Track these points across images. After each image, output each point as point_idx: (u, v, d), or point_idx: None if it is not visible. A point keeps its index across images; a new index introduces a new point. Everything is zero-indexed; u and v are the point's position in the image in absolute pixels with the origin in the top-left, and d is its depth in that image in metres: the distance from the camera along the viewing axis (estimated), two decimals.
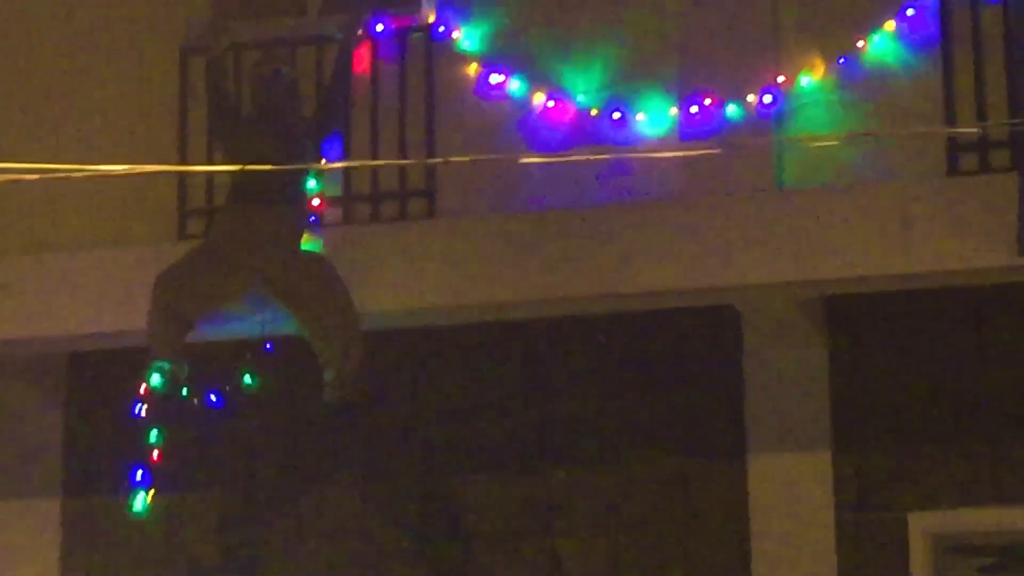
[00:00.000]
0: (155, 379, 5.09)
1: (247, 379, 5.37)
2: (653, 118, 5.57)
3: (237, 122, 5.48)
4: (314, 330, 5.11)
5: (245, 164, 5.08)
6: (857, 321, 5.71)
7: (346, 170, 5.66)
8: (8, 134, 5.92)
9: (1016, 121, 5.22)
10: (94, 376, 6.17)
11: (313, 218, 5.40)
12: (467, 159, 5.33)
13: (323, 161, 5.54)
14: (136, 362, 5.42)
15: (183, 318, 5.18)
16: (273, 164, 4.99)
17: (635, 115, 5.56)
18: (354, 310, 5.14)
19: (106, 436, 5.90)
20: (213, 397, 5.39)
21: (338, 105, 5.59)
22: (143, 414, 5.19)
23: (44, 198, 5.67)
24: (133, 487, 5.20)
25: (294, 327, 5.22)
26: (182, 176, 5.67)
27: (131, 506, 5.22)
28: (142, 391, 5.18)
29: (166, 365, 5.11)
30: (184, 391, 5.18)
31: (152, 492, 5.22)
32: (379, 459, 5.95)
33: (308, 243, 5.35)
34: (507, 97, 5.71)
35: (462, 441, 5.90)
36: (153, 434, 5.18)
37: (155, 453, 5.17)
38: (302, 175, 5.31)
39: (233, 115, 5.51)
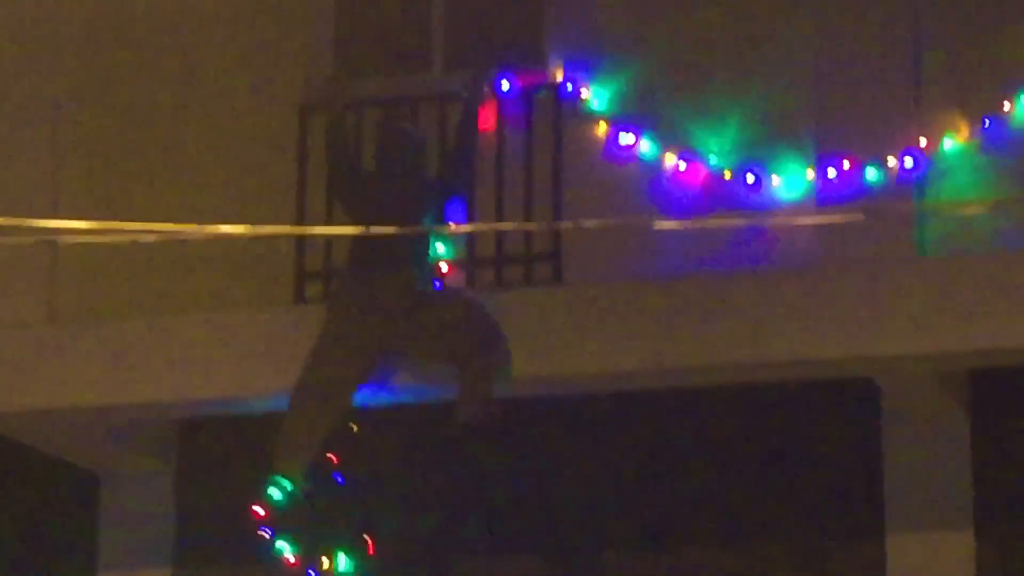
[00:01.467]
0: (275, 494, 4.96)
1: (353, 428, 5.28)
2: (789, 181, 5.48)
3: (358, 181, 5.34)
4: (445, 363, 5.03)
5: (366, 224, 4.93)
6: (1001, 395, 5.47)
7: (470, 233, 5.51)
8: (127, 194, 5.88)
9: None
10: (207, 443, 6.01)
11: (438, 284, 5.23)
12: (596, 223, 5.17)
13: (448, 224, 5.40)
14: (249, 430, 5.37)
15: (313, 435, 5.04)
16: (395, 225, 4.86)
17: (770, 178, 5.44)
18: (482, 326, 5.00)
19: (218, 505, 5.74)
20: (338, 478, 5.25)
21: (463, 165, 5.44)
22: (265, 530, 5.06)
23: (162, 259, 5.60)
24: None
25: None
26: (300, 238, 5.53)
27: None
28: (259, 510, 5.01)
29: (288, 485, 4.97)
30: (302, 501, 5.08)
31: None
32: (503, 532, 5.79)
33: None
34: (637, 158, 5.63)
35: (588, 516, 5.73)
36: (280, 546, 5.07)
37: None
38: (425, 237, 5.17)
39: (354, 174, 5.36)
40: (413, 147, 5.31)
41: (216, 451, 5.85)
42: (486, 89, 5.60)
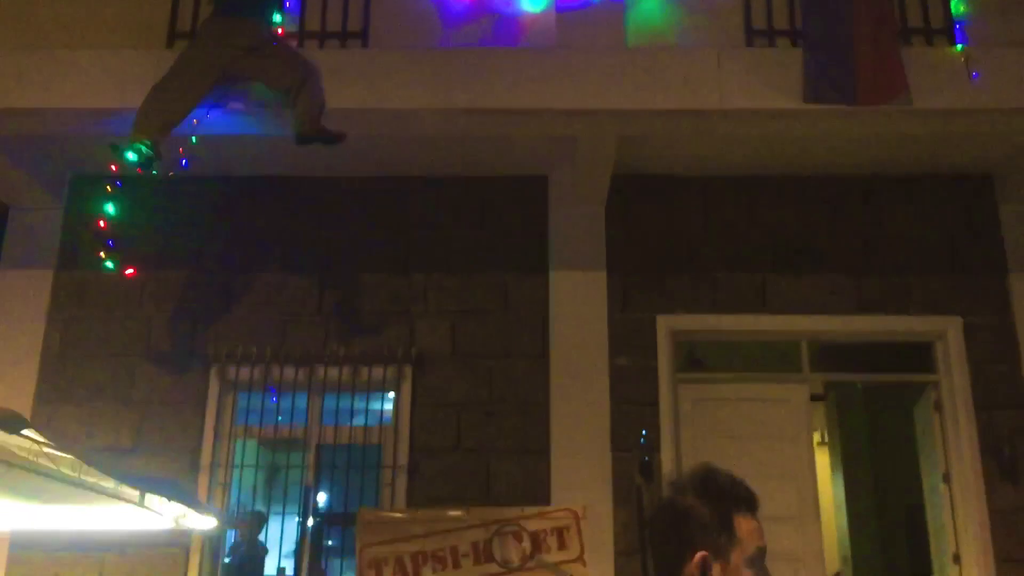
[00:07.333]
0: (131, 156, 5.23)
1: (193, 140, 5.64)
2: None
3: None
4: (279, 88, 5.44)
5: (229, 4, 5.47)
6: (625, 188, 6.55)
7: (301, 13, 6.03)
8: None
9: None
10: (89, 192, 6.28)
11: (275, 41, 5.65)
12: None
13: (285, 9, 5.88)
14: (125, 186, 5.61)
15: (168, 115, 5.32)
16: (250, 6, 5.48)
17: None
18: (307, 67, 5.40)
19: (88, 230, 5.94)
20: (183, 163, 5.66)
21: None
22: (112, 188, 5.45)
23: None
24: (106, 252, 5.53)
25: (265, 90, 5.51)
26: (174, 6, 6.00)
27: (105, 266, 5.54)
28: (114, 168, 5.32)
29: (143, 147, 5.24)
30: (154, 170, 5.37)
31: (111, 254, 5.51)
32: (291, 259, 6.51)
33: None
34: None
35: (351, 249, 6.51)
36: (110, 207, 5.48)
37: (102, 223, 5.44)
38: (269, 9, 5.69)
39: None
40: None
41: (95, 197, 5.96)
42: None
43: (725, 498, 1.82)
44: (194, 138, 5.62)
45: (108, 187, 5.55)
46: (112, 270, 5.63)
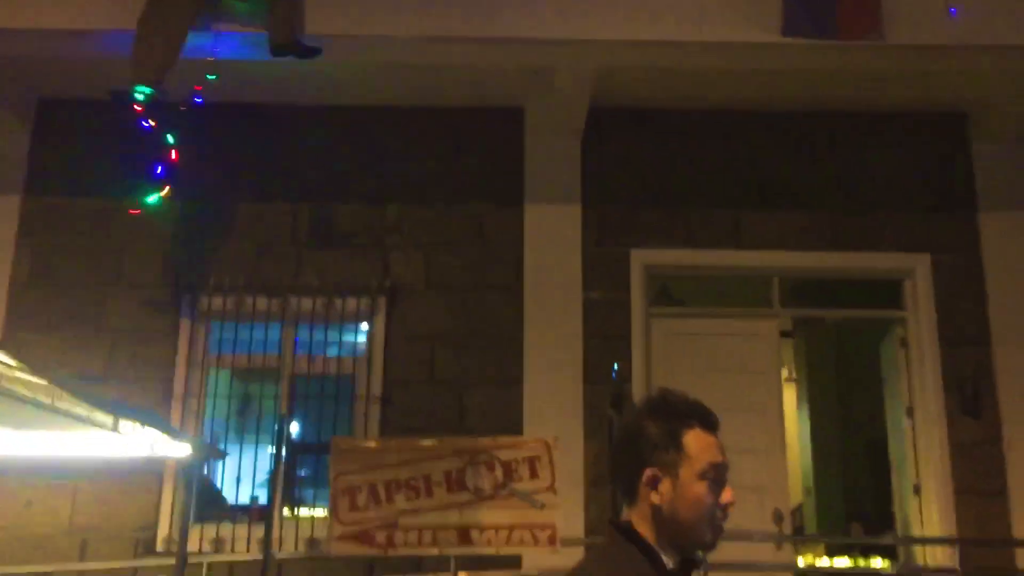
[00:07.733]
0: (140, 96, 5.13)
1: (209, 76, 5.47)
2: None
3: None
4: (258, 4, 5.32)
5: None
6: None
7: None
8: None
9: None
10: (57, 119, 6.29)
11: None
12: None
13: None
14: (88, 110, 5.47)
15: (158, 58, 5.18)
16: None
17: None
18: None
19: (62, 160, 6.03)
20: (198, 100, 5.49)
21: None
22: (150, 124, 5.25)
23: None
24: (151, 183, 5.33)
25: (246, 9, 5.37)
26: None
27: (145, 200, 5.36)
28: (137, 108, 5.16)
29: (147, 89, 5.14)
30: (160, 96, 5.17)
31: (166, 188, 5.34)
32: (269, 189, 6.41)
33: None
34: None
35: (328, 180, 6.42)
36: (169, 137, 5.27)
37: (172, 153, 5.23)
38: None
39: None
40: None
41: (63, 126, 6.03)
42: None
43: (675, 416, 1.84)
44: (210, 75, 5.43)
45: (151, 122, 5.31)
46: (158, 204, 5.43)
